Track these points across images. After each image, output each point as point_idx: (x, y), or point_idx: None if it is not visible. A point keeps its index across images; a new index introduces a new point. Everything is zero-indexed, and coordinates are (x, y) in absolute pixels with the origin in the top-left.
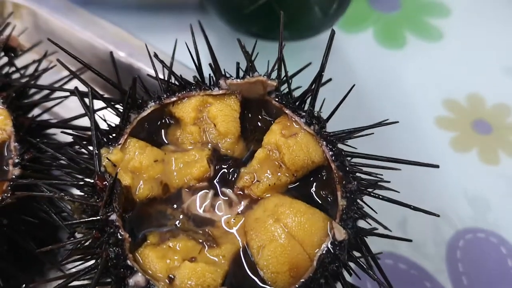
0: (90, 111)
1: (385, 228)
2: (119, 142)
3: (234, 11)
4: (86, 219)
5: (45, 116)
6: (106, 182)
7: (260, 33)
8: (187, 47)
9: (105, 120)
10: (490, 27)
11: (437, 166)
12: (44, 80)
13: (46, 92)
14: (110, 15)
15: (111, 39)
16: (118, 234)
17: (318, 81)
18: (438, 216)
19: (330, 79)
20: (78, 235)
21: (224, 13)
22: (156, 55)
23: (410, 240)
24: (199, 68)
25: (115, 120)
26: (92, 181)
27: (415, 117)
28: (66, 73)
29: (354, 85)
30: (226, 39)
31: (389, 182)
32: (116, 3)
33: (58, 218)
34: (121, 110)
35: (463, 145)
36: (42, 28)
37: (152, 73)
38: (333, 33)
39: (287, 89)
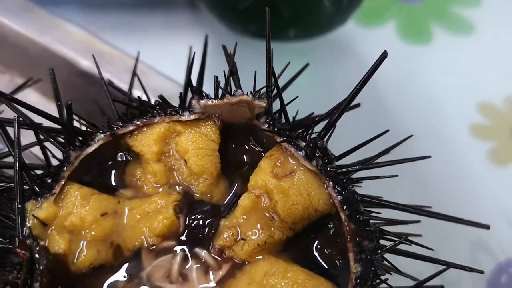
0: (13, 147)
1: (414, 279)
2: (53, 191)
3: (228, 6)
4: None
5: None
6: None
7: (260, 32)
8: None
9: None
10: None
11: (488, 227)
12: None
13: None
14: (89, 13)
15: (74, 45)
16: None
17: (340, 111)
18: (482, 272)
19: (358, 104)
20: None
21: (216, 9)
22: (111, 83)
23: (442, 286)
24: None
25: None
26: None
27: (445, 126)
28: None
29: (387, 130)
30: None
31: (420, 236)
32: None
33: None
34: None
35: (502, 157)
36: None
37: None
38: (384, 55)
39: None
